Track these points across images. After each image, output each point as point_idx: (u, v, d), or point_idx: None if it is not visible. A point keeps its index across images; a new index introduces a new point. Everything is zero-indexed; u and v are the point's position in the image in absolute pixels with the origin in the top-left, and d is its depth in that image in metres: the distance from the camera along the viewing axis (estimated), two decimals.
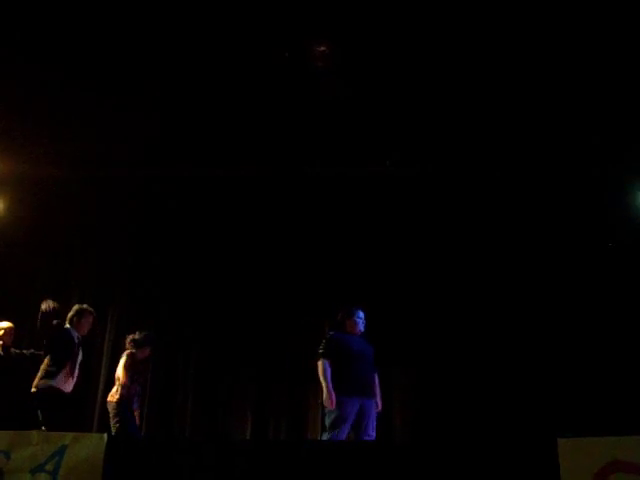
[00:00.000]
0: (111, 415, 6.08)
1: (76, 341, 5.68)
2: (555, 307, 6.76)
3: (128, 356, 6.23)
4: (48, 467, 4.07)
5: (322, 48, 5.57)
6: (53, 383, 5.42)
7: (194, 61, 5.82)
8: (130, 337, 6.38)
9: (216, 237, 7.49)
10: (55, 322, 5.59)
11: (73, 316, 5.79)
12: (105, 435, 4.23)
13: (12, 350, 6.04)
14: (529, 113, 6.22)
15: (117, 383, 6.17)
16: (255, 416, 7.02)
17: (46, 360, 5.55)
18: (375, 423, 5.40)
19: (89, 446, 4.12)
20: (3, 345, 5.97)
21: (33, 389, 5.45)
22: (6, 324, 6.08)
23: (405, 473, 3.90)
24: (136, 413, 6.25)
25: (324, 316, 6.89)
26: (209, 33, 5.49)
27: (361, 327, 5.64)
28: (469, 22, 5.30)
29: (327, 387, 5.29)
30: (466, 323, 6.90)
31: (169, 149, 7.01)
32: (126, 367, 6.15)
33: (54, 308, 5.62)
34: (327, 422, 5.32)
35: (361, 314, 5.69)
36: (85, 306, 5.94)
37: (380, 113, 6.35)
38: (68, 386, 5.55)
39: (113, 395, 6.15)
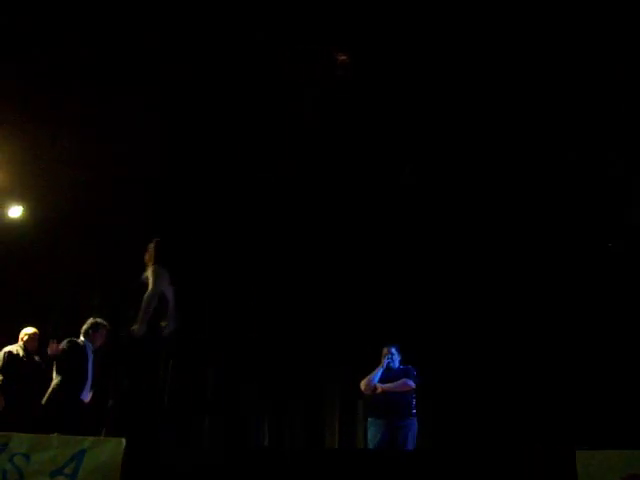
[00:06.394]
0: None
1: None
2: (566, 316, 6.77)
3: None
4: (67, 470, 4.09)
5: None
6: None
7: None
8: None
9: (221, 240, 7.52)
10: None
11: (88, 329, 5.82)
12: (123, 440, 4.24)
13: (35, 357, 6.04)
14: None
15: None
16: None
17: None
18: None
19: (107, 450, 4.16)
20: (26, 350, 6.00)
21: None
22: (31, 330, 6.10)
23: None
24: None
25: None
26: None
27: None
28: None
29: None
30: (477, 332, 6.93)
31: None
32: None
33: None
34: None
35: None
36: (99, 320, 5.92)
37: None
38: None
39: None
